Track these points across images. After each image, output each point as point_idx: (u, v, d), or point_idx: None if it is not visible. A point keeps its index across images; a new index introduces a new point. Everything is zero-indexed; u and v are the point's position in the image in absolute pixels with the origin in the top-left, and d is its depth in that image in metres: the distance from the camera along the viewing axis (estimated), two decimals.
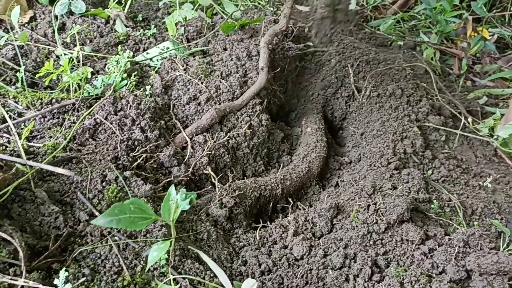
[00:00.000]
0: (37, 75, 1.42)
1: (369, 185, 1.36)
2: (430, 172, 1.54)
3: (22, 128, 1.30)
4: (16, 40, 1.59)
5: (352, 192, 1.38)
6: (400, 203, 1.24)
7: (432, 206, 1.37)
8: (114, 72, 1.52)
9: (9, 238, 0.89)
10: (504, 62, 2.49)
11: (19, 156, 1.13)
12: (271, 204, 1.46)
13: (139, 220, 0.79)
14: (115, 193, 1.13)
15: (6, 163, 1.05)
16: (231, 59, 1.69)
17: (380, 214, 1.25)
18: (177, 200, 0.85)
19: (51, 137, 1.28)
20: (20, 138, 1.18)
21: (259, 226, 1.30)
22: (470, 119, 1.75)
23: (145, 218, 0.81)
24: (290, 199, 1.47)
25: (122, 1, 1.97)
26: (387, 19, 2.66)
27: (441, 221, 1.34)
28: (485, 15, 2.48)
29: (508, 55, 2.52)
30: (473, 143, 1.72)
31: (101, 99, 1.39)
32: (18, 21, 1.57)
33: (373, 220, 1.24)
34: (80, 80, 1.49)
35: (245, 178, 1.54)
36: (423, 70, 2.07)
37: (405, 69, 1.90)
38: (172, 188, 0.88)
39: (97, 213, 1.08)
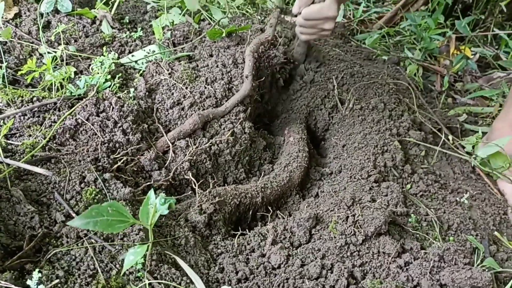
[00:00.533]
0: (19, 73, 1.40)
1: (349, 197, 1.36)
2: (409, 186, 1.56)
3: (0, 125, 1.28)
4: None
5: (331, 203, 1.39)
6: (378, 216, 1.25)
7: (409, 219, 1.39)
8: (98, 73, 1.51)
9: None
10: (484, 81, 2.54)
11: None
12: (250, 212, 1.46)
13: (116, 223, 0.78)
14: (93, 195, 1.11)
15: None
16: (217, 66, 1.69)
17: (358, 226, 1.26)
18: (156, 205, 0.84)
19: (30, 135, 1.26)
20: None
21: (237, 234, 1.30)
22: (450, 137, 1.78)
23: (123, 221, 0.80)
24: (270, 208, 1.48)
25: (110, 2, 1.96)
26: (373, 33, 2.71)
27: (417, 235, 1.35)
28: (468, 34, 2.54)
29: (489, 74, 2.58)
30: (452, 160, 1.74)
31: (84, 99, 1.37)
32: (2, 17, 1.55)
33: (351, 232, 1.25)
34: (63, 79, 1.47)
35: (226, 185, 1.53)
36: (406, 84, 2.10)
37: (388, 84, 1.93)
38: (151, 192, 0.88)
39: (74, 215, 1.06)
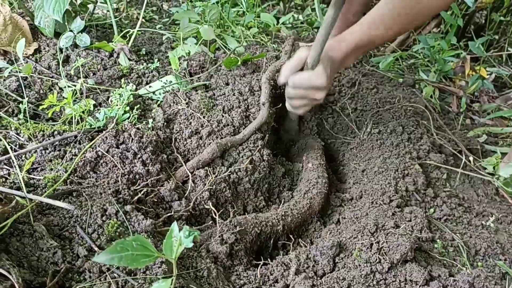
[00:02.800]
0: (40, 107, 1.42)
1: (372, 223, 1.34)
2: (432, 210, 1.53)
3: (23, 160, 1.29)
4: (20, 72, 1.60)
5: (354, 230, 1.36)
6: (403, 242, 1.22)
7: (435, 245, 1.35)
8: (116, 105, 1.53)
9: (6, 273, 0.87)
10: (502, 100, 2.52)
11: (19, 188, 1.12)
12: (271, 241, 1.44)
13: (141, 257, 0.77)
14: (115, 228, 1.11)
15: (5, 195, 1.04)
16: (233, 94, 1.70)
17: (383, 253, 1.23)
18: (180, 238, 0.83)
19: (51, 169, 1.27)
20: (21, 171, 1.17)
21: (260, 264, 1.28)
22: (471, 158, 1.75)
23: (148, 256, 0.79)
24: (291, 236, 1.45)
25: (127, 35, 1.99)
26: (387, 57, 2.70)
27: (445, 261, 1.32)
28: (482, 55, 2.52)
29: (506, 94, 2.56)
30: (475, 182, 1.71)
31: (103, 132, 1.38)
32: (22, 53, 1.58)
33: (376, 259, 1.22)
34: (83, 112, 1.49)
35: (245, 213, 1.52)
36: (423, 106, 2.09)
37: (405, 107, 1.92)
38: (174, 225, 0.87)
39: (96, 248, 1.06)
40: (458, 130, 2.15)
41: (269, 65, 1.81)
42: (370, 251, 1.25)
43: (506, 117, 2.26)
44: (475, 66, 2.63)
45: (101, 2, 2.24)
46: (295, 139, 1.95)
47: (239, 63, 1.83)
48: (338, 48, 1.46)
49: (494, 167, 1.75)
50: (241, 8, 2.94)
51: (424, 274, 1.19)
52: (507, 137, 2.12)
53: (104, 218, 1.14)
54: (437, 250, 1.35)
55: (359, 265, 1.23)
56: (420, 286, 1.18)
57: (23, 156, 1.30)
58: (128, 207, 1.18)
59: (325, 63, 1.41)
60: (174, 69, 1.83)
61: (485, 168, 1.75)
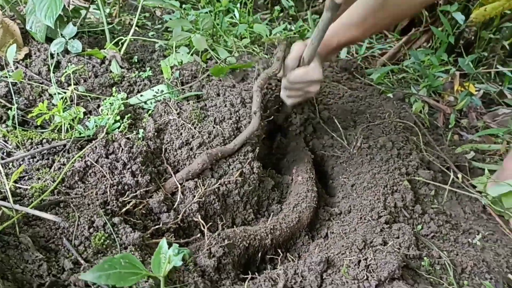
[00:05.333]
0: (30, 115, 1.40)
1: (360, 240, 1.34)
2: (420, 227, 1.54)
3: (9, 168, 1.28)
4: (9, 77, 1.58)
5: (342, 245, 1.36)
6: (391, 260, 1.22)
7: (422, 263, 1.36)
8: (107, 114, 1.52)
9: None
10: (489, 117, 2.55)
11: (5, 198, 1.10)
12: (259, 254, 1.44)
13: (129, 275, 0.76)
14: (102, 240, 1.10)
15: None
16: (225, 105, 1.69)
17: (371, 271, 1.23)
18: (170, 255, 0.83)
19: (39, 178, 1.25)
20: (8, 180, 1.15)
21: (247, 278, 1.27)
22: (459, 175, 1.77)
23: (136, 274, 0.78)
24: (279, 250, 1.45)
25: (120, 43, 1.98)
26: (379, 69, 2.73)
27: (431, 279, 1.32)
28: (472, 72, 2.56)
29: (494, 110, 2.59)
30: (462, 199, 1.72)
31: (93, 141, 1.37)
32: (13, 58, 1.57)
33: (364, 276, 1.22)
34: (72, 120, 1.48)
35: (234, 226, 1.51)
36: (412, 122, 2.11)
37: (395, 122, 1.93)
38: (163, 242, 0.86)
39: (82, 261, 1.04)
40: (447, 146, 2.17)
41: (260, 73, 1.80)
42: (358, 267, 1.25)
43: (493, 134, 2.29)
44: (464, 82, 2.66)
45: (93, 8, 2.22)
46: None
47: (227, 71, 1.82)
48: (324, 46, 1.63)
49: (485, 186, 1.76)
50: (234, 17, 2.95)
51: None
52: (494, 154, 2.14)
53: (91, 230, 1.12)
54: (424, 268, 1.35)
55: (347, 282, 1.23)
56: None
57: (10, 164, 1.28)
58: (116, 219, 1.17)
59: (318, 58, 1.61)
60: (166, 78, 1.83)
61: (475, 186, 1.77)
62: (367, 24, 1.71)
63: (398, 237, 1.42)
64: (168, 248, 0.85)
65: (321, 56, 1.67)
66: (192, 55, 2.02)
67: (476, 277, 1.38)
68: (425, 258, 1.37)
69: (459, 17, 2.67)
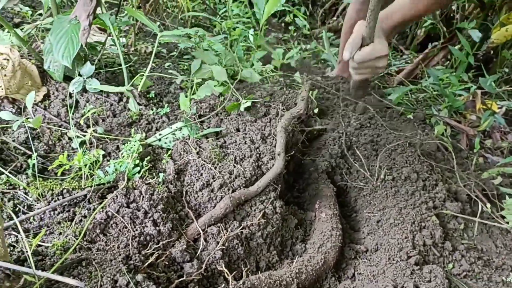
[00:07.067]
0: (50, 167, 1.39)
1: (391, 285, 1.30)
2: (451, 265, 1.48)
3: (30, 223, 1.26)
4: (28, 123, 1.57)
5: None
6: None
7: None
8: (127, 157, 1.50)
9: None
10: None
11: (26, 259, 1.08)
12: None
13: None
14: None
15: (13, 271, 1.00)
16: (245, 142, 1.66)
17: None
18: None
19: (60, 233, 1.23)
20: (27, 237, 1.13)
21: None
22: (488, 205, 1.71)
23: None
24: None
25: (136, 78, 1.97)
26: (398, 89, 2.67)
27: None
28: (494, 92, 2.49)
29: None
30: (493, 231, 1.66)
31: (114, 189, 1.35)
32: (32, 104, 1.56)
33: None
34: (92, 163, 1.46)
35: (258, 270, 1.47)
36: (435, 147, 2.06)
37: (418, 149, 1.89)
38: None
39: None
40: (472, 171, 2.11)
41: (285, 112, 1.77)
42: None
43: None
44: (486, 99, 2.60)
45: (110, 44, 2.22)
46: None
47: (242, 108, 1.80)
48: (386, 22, 1.79)
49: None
50: (248, 41, 2.93)
51: None
52: None
53: None
54: None
55: None
56: None
57: (31, 218, 1.26)
58: (139, 277, 1.14)
59: (381, 34, 1.65)
60: (185, 113, 1.80)
61: (504, 217, 1.71)
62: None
63: (430, 281, 1.37)
64: None
65: (385, 31, 1.75)
66: (209, 87, 1.99)
67: None
68: None
69: (476, 34, 2.62)
